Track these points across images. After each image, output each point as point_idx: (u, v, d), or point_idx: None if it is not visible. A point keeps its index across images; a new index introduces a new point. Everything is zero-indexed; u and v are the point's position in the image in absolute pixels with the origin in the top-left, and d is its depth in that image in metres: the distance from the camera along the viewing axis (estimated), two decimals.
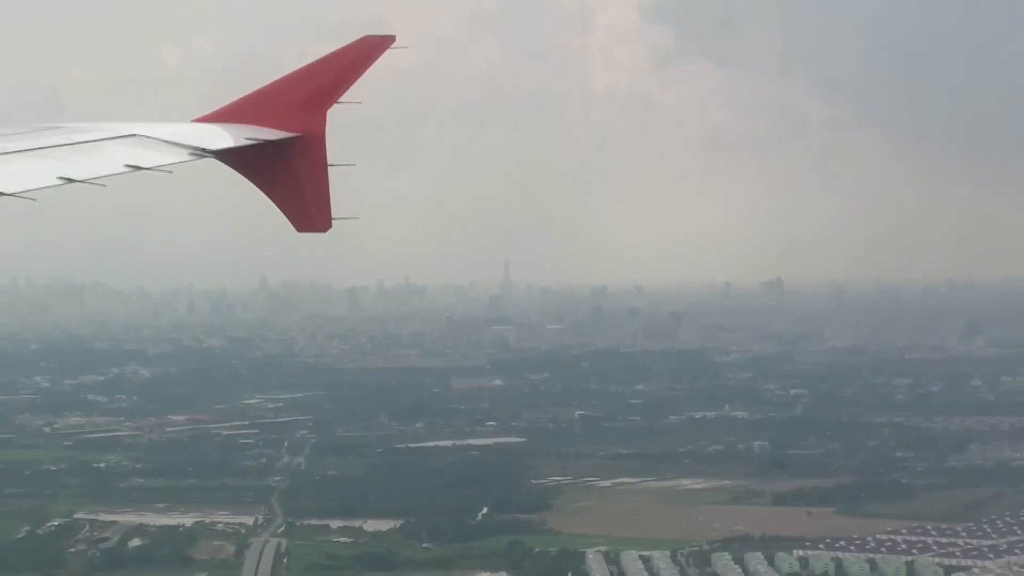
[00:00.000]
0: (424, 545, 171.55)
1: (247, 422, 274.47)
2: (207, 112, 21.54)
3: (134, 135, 18.79)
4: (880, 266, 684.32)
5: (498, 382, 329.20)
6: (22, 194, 14.81)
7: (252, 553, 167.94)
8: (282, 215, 21.40)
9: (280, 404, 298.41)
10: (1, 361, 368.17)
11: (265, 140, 20.08)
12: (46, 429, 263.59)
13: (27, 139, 17.48)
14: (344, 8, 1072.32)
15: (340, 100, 20.82)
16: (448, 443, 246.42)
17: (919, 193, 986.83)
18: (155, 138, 18.80)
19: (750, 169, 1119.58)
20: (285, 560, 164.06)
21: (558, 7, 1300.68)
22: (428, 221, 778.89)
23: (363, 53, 21.09)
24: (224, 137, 19.69)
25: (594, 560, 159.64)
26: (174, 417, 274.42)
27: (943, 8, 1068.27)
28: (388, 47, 21.30)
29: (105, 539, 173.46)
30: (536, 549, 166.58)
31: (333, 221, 21.22)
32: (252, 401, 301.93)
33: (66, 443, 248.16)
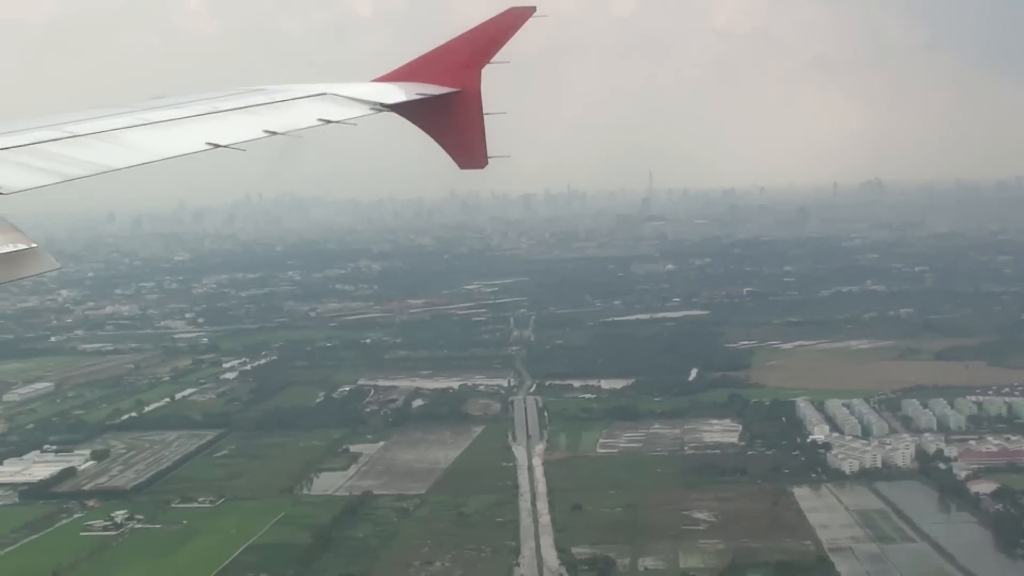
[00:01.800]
0: (656, 399, 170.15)
1: (473, 303, 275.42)
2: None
3: (324, 94, 19.01)
4: (959, 166, 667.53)
5: (670, 267, 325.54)
6: (235, 146, 15.05)
7: (516, 408, 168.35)
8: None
9: (495, 288, 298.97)
10: (256, 260, 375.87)
11: (431, 95, 20.58)
12: (311, 313, 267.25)
13: (235, 99, 17.68)
14: None
15: (492, 61, 21.16)
16: (646, 316, 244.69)
17: (991, 105, 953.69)
18: (342, 96, 19.13)
19: (848, 88, 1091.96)
20: (545, 413, 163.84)
21: None
22: (582, 138, 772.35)
23: (509, 22, 21.45)
24: (398, 93, 20.18)
25: (804, 407, 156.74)
26: (412, 301, 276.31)
27: None
28: (530, 17, 21.57)
29: (392, 400, 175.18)
30: (752, 400, 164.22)
31: (489, 159, 21.55)
32: (471, 287, 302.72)
33: (331, 324, 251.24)
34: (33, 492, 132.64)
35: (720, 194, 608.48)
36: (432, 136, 21.36)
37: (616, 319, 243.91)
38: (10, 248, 10.16)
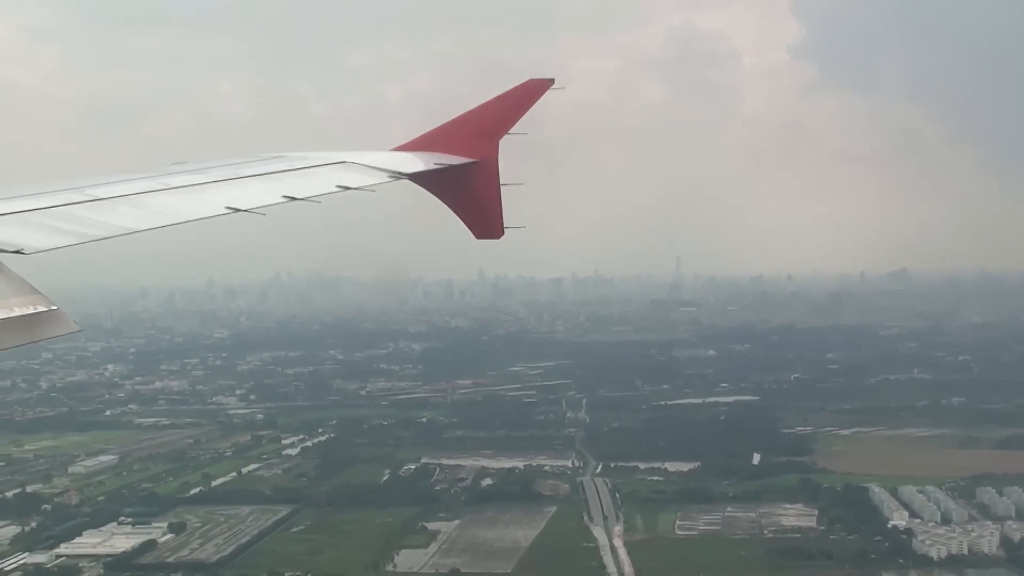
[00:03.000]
0: (725, 482, 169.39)
1: (520, 385, 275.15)
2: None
3: (344, 162, 19.29)
4: (984, 257, 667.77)
5: (712, 352, 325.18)
6: (254, 210, 15.20)
7: (587, 489, 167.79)
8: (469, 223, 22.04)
9: (539, 371, 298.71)
10: (295, 338, 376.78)
11: (449, 165, 20.82)
12: (362, 392, 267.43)
13: (256, 166, 17.99)
14: (528, 55, 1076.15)
15: (510, 132, 21.32)
16: (697, 400, 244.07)
17: (1014, 197, 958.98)
18: (361, 164, 19.34)
19: (874, 180, 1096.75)
20: (617, 494, 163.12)
21: (716, 51, 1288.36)
22: (609, 224, 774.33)
23: (528, 93, 21.66)
24: (417, 163, 20.47)
25: (879, 493, 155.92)
26: (460, 381, 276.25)
27: None
28: (548, 88, 21.76)
29: (461, 479, 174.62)
30: (824, 485, 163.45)
31: (505, 229, 21.77)
32: (516, 368, 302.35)
33: (383, 403, 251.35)
34: (118, 564, 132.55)
35: (748, 281, 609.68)
36: (449, 205, 21.56)
37: (668, 403, 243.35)
38: (31, 310, 10.07)
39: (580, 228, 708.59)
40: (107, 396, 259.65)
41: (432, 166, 20.61)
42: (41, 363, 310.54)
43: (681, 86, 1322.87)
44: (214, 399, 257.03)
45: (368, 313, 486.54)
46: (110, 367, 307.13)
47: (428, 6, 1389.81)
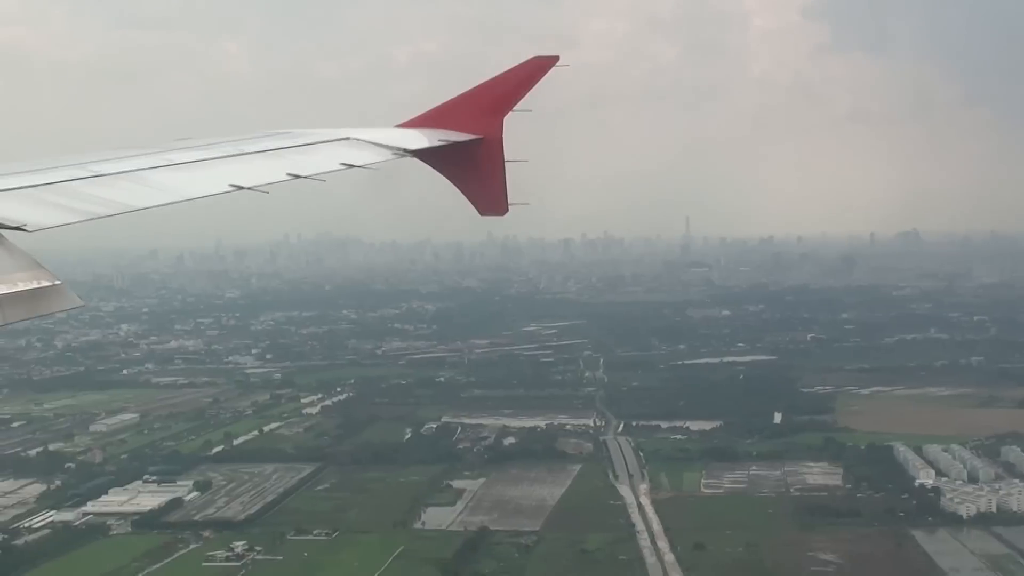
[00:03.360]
0: (748, 441, 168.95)
1: (536, 345, 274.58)
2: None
3: (348, 138, 19.10)
4: (994, 218, 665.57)
5: (726, 312, 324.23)
6: (258, 188, 15.03)
7: (611, 448, 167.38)
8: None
9: (554, 330, 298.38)
10: (307, 299, 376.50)
11: (454, 142, 20.71)
12: (378, 351, 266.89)
13: (260, 143, 17.82)
14: (537, 15, 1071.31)
15: (514, 109, 21.23)
16: (715, 360, 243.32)
17: None
18: (365, 140, 19.15)
19: (884, 140, 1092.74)
20: (640, 453, 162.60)
21: (727, 11, 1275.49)
22: (618, 186, 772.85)
23: (533, 70, 21.46)
24: (421, 139, 20.32)
25: (904, 452, 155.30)
26: (476, 341, 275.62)
27: None
28: (553, 65, 21.57)
29: (484, 438, 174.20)
30: (848, 443, 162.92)
31: (509, 206, 21.67)
32: (530, 328, 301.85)
33: (400, 362, 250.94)
34: (145, 522, 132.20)
35: (758, 242, 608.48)
36: (453, 182, 21.42)
37: (685, 362, 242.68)
38: (34, 285, 9.96)
39: (589, 189, 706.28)
40: (123, 355, 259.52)
41: (436, 143, 20.52)
42: (55, 323, 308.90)
43: (691, 47, 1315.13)
44: (230, 358, 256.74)
45: (378, 274, 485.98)
46: (124, 327, 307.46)
47: None
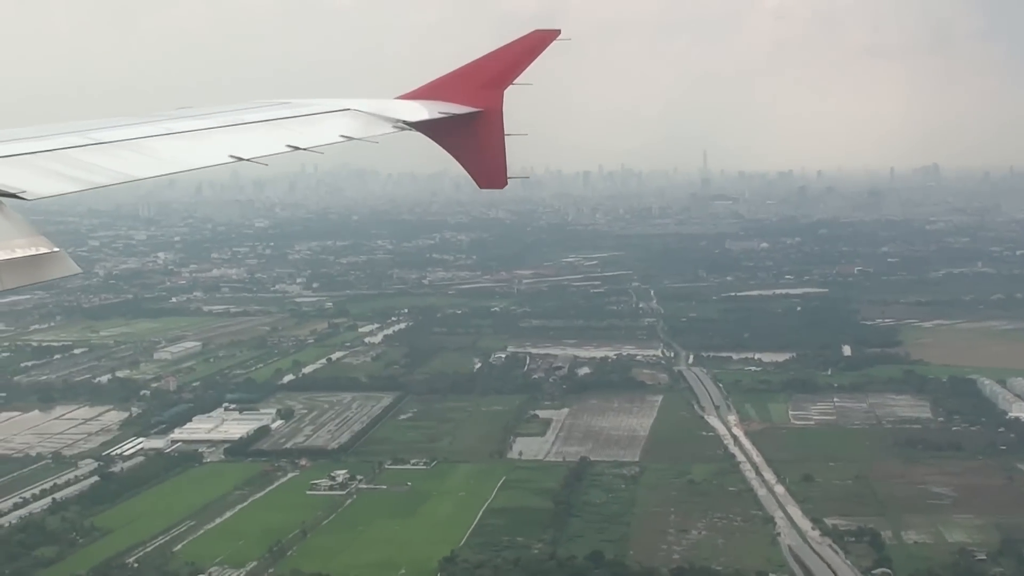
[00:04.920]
0: (824, 373, 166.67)
1: (581, 276, 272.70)
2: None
3: (348, 109, 18.86)
4: (1014, 154, 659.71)
5: (764, 245, 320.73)
6: (257, 159, 14.95)
7: (688, 379, 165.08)
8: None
9: (595, 262, 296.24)
10: (337, 228, 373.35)
11: (453, 114, 20.46)
12: (424, 281, 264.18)
13: (261, 112, 17.58)
14: None
15: (515, 82, 20.98)
16: (768, 292, 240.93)
17: None
18: (365, 112, 18.96)
19: (902, 73, 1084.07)
20: (720, 384, 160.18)
21: None
22: (633, 117, 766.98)
23: (533, 44, 21.25)
24: (421, 111, 20.13)
25: (990, 385, 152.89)
26: (520, 272, 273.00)
27: None
28: (554, 39, 21.37)
29: (558, 368, 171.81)
30: (929, 376, 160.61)
31: (508, 179, 21.63)
32: (570, 259, 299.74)
33: (449, 292, 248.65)
34: (236, 450, 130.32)
35: (776, 176, 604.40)
36: (453, 155, 21.23)
37: (737, 294, 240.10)
38: (32, 252, 9.97)
39: (605, 121, 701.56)
40: (168, 283, 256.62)
41: (436, 115, 20.21)
42: (89, 250, 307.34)
43: None
44: (276, 287, 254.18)
45: (402, 205, 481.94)
46: (160, 255, 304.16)
47: None
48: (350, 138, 17.30)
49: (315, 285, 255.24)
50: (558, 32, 21.44)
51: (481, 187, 21.97)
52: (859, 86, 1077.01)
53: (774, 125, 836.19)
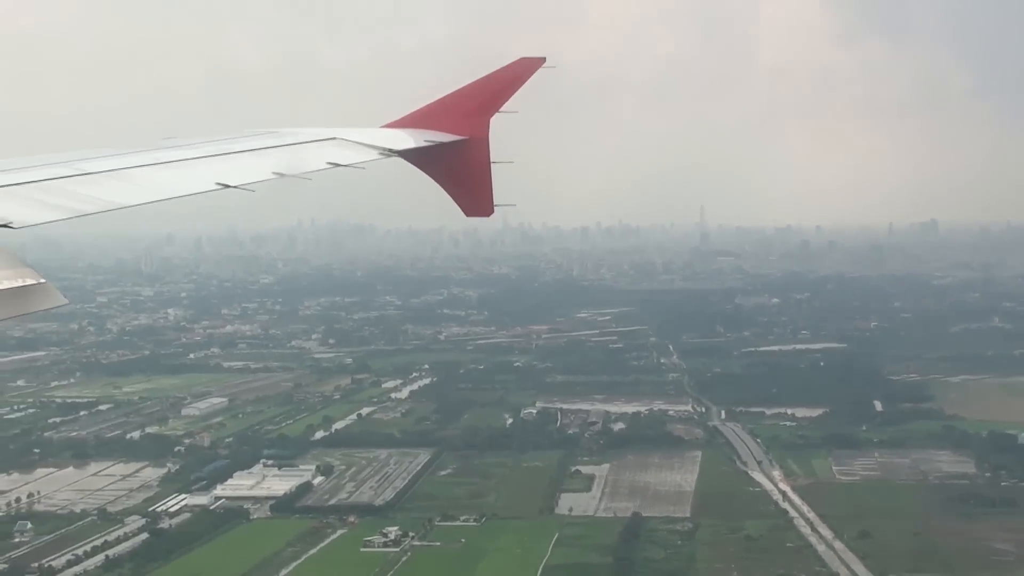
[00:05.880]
0: (861, 428, 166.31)
1: (596, 331, 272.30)
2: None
3: (334, 138, 19.01)
4: (1011, 209, 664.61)
5: (775, 300, 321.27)
6: (244, 186, 14.91)
7: (724, 434, 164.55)
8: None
9: (608, 317, 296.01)
10: (342, 284, 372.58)
11: (440, 142, 20.59)
12: (440, 336, 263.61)
13: (247, 142, 17.70)
14: (543, 2, 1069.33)
15: (501, 110, 21.13)
16: (788, 348, 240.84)
17: None
18: (351, 140, 19.05)
19: (899, 129, 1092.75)
20: (758, 440, 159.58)
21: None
22: (629, 174, 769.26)
23: (519, 72, 21.41)
24: (407, 140, 20.25)
25: None
26: (535, 327, 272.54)
27: None
28: (540, 67, 21.55)
29: (592, 423, 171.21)
30: (969, 432, 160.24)
31: (495, 208, 21.55)
32: (583, 315, 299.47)
33: (468, 348, 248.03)
34: (282, 506, 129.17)
35: (775, 231, 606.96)
36: (439, 183, 21.26)
37: (756, 349, 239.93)
38: (18, 283, 9.94)
39: (601, 177, 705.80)
40: (183, 340, 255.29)
41: (423, 143, 20.34)
42: (98, 307, 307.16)
43: (700, 35, 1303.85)
44: (292, 343, 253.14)
45: (403, 260, 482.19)
46: (170, 311, 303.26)
47: None
48: (337, 165, 17.36)
49: (331, 341, 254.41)
50: (543, 60, 21.60)
51: (467, 215, 21.77)
52: (855, 142, 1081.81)
53: (770, 181, 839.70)
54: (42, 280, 10.12)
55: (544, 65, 21.59)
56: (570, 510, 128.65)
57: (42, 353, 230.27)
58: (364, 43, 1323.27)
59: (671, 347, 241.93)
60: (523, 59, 21.72)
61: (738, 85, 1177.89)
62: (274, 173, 15.93)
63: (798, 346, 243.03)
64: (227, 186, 14.75)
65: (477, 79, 21.51)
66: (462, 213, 21.80)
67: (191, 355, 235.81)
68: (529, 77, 21.45)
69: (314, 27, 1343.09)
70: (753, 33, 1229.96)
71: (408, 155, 20.12)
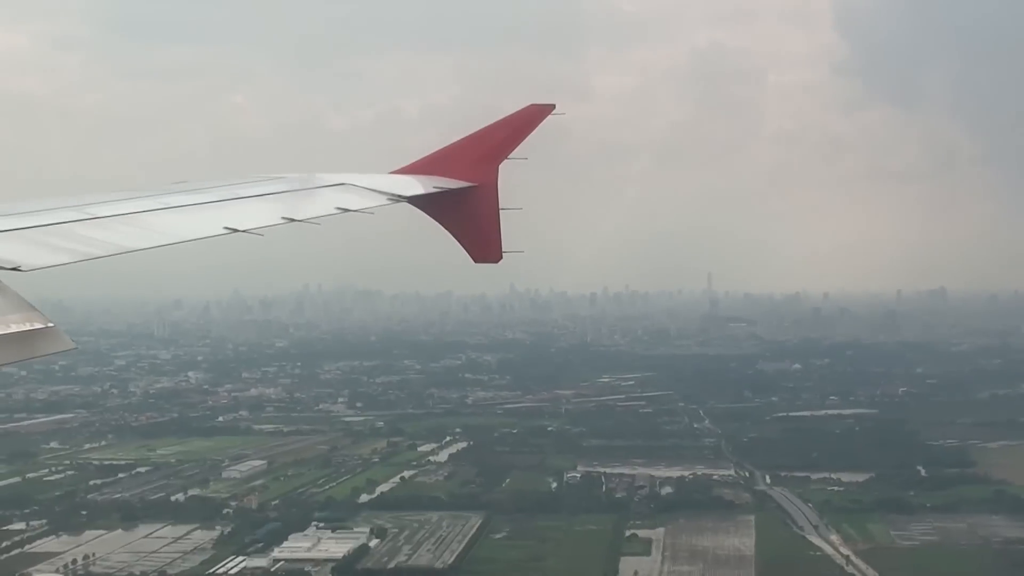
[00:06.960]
0: (910, 493, 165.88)
1: (622, 396, 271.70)
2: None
3: (343, 184, 19.18)
4: (1019, 277, 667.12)
5: (797, 366, 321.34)
6: (253, 231, 14.99)
7: (775, 499, 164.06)
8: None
9: (631, 382, 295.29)
10: (359, 349, 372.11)
11: (448, 188, 20.72)
12: (467, 401, 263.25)
13: (256, 187, 17.88)
14: (550, 70, 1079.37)
15: (510, 156, 21.26)
16: (820, 413, 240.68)
17: None
18: (360, 186, 19.25)
19: (907, 197, 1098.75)
20: (810, 504, 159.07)
21: (742, 67, 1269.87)
22: (636, 240, 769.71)
23: (529, 118, 21.55)
24: (416, 186, 20.38)
25: None
26: (560, 392, 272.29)
27: None
28: (549, 114, 21.69)
29: (640, 487, 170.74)
30: (1021, 496, 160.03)
31: (504, 254, 21.70)
32: (606, 379, 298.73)
33: (498, 412, 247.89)
34: (344, 569, 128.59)
35: (783, 298, 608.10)
36: (447, 229, 21.31)
37: (788, 415, 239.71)
38: (27, 327, 9.95)
39: (607, 241, 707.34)
40: (210, 402, 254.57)
41: (431, 189, 20.50)
42: (117, 370, 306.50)
43: (707, 103, 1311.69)
44: (319, 406, 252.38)
45: (415, 325, 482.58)
46: (191, 374, 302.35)
47: (448, 19, 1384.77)
48: (346, 210, 17.50)
49: (358, 404, 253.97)
50: (552, 107, 21.75)
51: (475, 261, 21.63)
52: (862, 210, 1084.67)
53: (777, 247, 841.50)
54: (50, 324, 10.08)
55: (554, 112, 21.76)
56: (636, 573, 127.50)
57: (71, 415, 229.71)
58: (367, 110, 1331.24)
59: (701, 412, 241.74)
60: (532, 105, 21.77)
61: (744, 151, 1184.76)
62: (283, 218, 16.04)
63: (829, 411, 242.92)
64: (235, 230, 14.83)
65: (486, 126, 21.65)
66: (470, 259, 21.72)
67: (220, 418, 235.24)
68: (539, 123, 21.60)
69: (317, 94, 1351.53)
70: (760, 100, 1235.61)
71: (417, 201, 20.25)
